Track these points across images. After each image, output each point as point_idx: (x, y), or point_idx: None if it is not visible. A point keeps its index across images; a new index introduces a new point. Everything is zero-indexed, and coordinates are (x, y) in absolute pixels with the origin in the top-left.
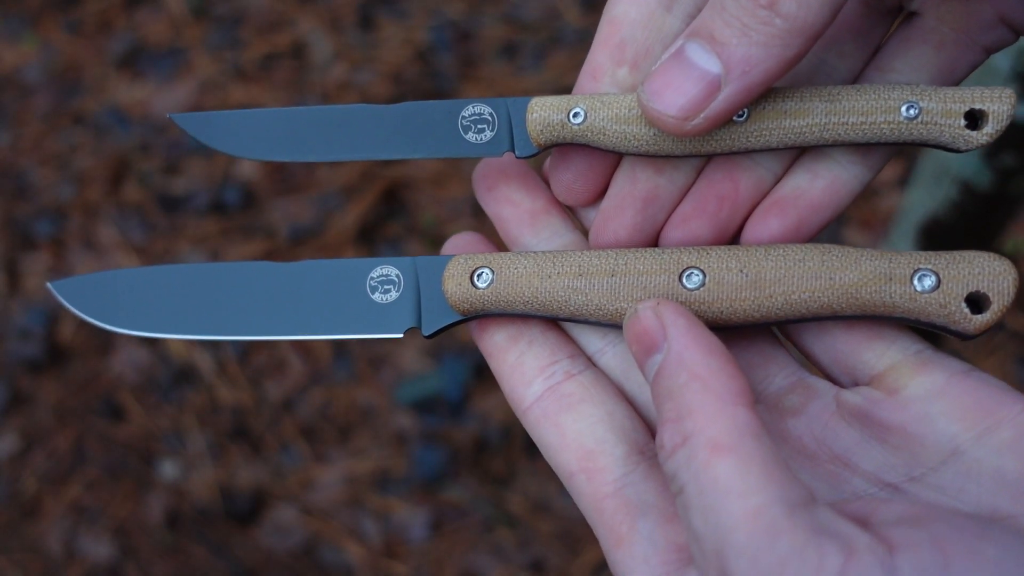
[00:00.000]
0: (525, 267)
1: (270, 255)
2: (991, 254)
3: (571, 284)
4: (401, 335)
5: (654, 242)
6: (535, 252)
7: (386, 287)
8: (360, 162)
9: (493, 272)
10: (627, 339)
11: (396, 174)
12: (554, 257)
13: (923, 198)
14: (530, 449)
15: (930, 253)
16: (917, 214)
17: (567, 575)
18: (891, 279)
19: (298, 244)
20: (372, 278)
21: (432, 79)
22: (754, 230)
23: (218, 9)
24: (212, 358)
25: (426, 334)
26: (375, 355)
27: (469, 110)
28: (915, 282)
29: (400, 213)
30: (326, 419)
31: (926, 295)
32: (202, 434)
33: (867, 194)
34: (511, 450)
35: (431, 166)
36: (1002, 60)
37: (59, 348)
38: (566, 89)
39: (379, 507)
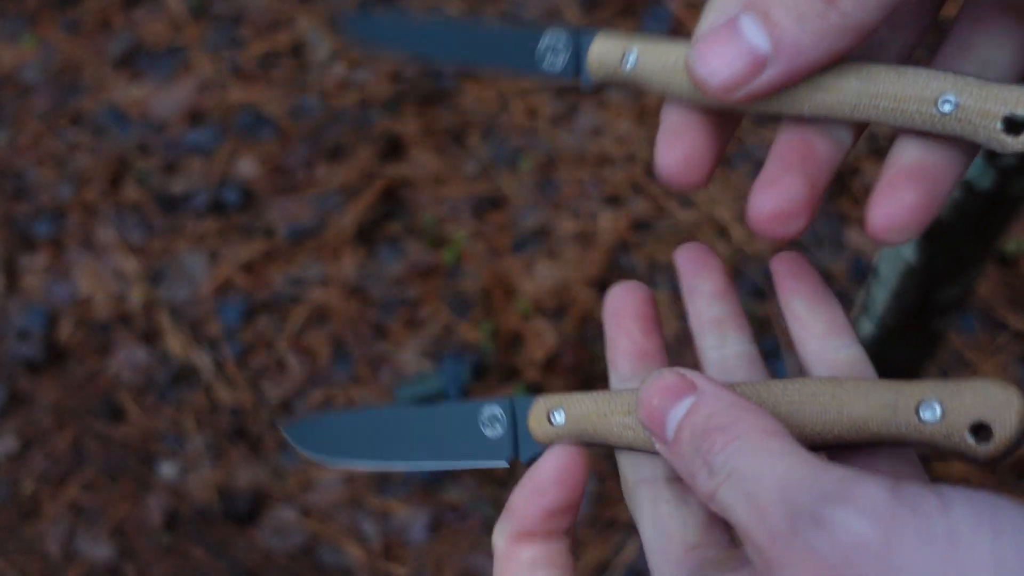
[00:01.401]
0: (587, 406)
1: (269, 255)
2: (998, 383)
3: (622, 421)
4: (506, 463)
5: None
6: (600, 392)
7: (494, 424)
8: (358, 161)
9: (564, 411)
10: (646, 397)
11: (396, 174)
12: (611, 397)
13: None
14: None
15: (937, 382)
16: None
17: None
18: (897, 410)
19: (297, 244)
20: (482, 416)
21: (432, 78)
22: (885, 203)
23: (217, 8)
24: (211, 359)
25: (523, 462)
26: (374, 355)
27: (545, 41)
28: (920, 413)
29: (400, 213)
30: None
31: (931, 426)
32: (201, 435)
33: (867, 193)
34: None
35: (431, 166)
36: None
37: (57, 348)
38: (567, 88)
39: (378, 508)
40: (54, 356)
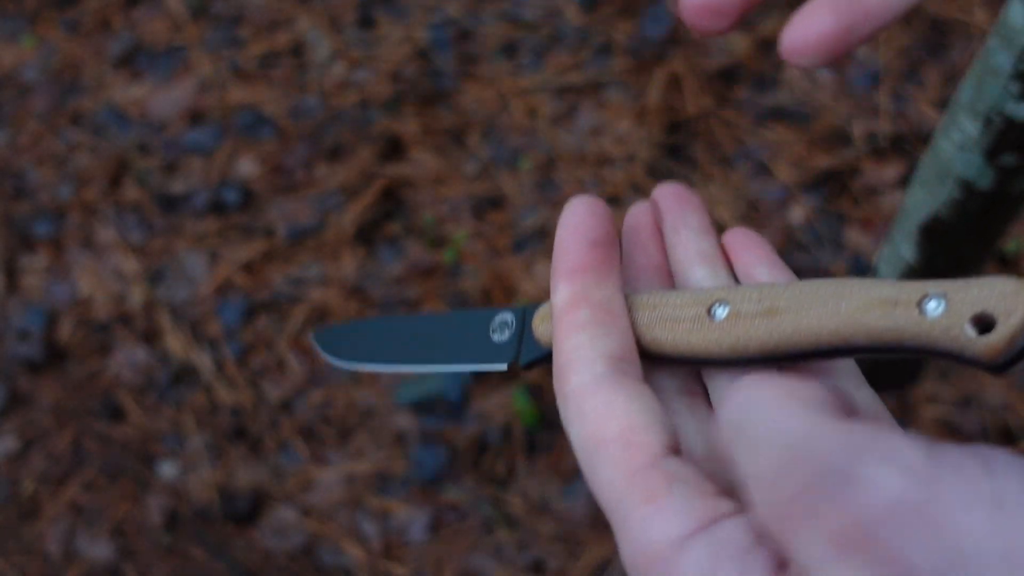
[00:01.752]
0: None
1: (268, 255)
2: (1007, 278)
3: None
4: (505, 366)
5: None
6: None
7: (503, 330)
8: (359, 161)
9: None
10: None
11: (395, 174)
12: None
13: (924, 197)
14: (530, 449)
15: (945, 281)
16: (918, 214)
17: None
18: (897, 304)
19: (297, 244)
20: (494, 322)
21: (432, 78)
22: (801, 25)
23: (217, 8)
24: (211, 359)
25: (521, 364)
26: None
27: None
28: (922, 306)
29: (400, 213)
30: (325, 420)
31: (932, 320)
32: (201, 435)
33: (867, 193)
34: (511, 450)
35: (431, 165)
36: (1003, 58)
37: (57, 348)
38: (567, 88)
39: (378, 508)
40: (54, 356)
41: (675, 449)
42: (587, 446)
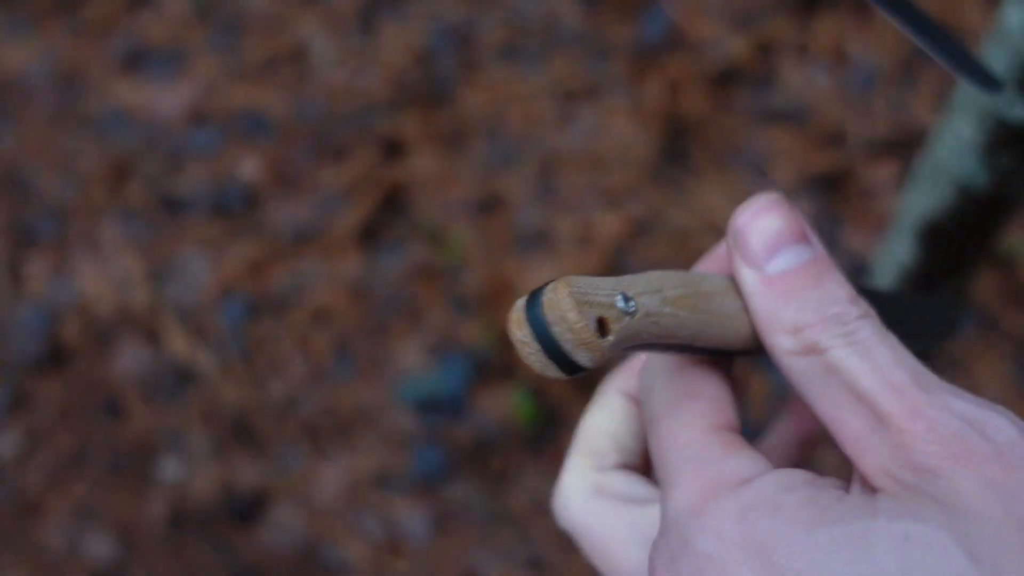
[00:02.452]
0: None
1: (271, 255)
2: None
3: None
4: None
5: None
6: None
7: None
8: (360, 163)
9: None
10: (769, 215)
11: (397, 175)
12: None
13: (920, 199)
14: (530, 448)
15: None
16: (914, 215)
17: (567, 575)
18: None
19: (299, 244)
20: None
21: (432, 81)
22: None
23: (220, 11)
24: (214, 358)
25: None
26: (376, 355)
27: None
28: None
29: (401, 214)
30: (328, 418)
31: None
32: (204, 433)
33: (863, 195)
34: (511, 449)
35: (432, 167)
36: (999, 61)
37: (62, 348)
38: (567, 91)
39: (380, 506)
40: (58, 356)
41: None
42: (676, 391)
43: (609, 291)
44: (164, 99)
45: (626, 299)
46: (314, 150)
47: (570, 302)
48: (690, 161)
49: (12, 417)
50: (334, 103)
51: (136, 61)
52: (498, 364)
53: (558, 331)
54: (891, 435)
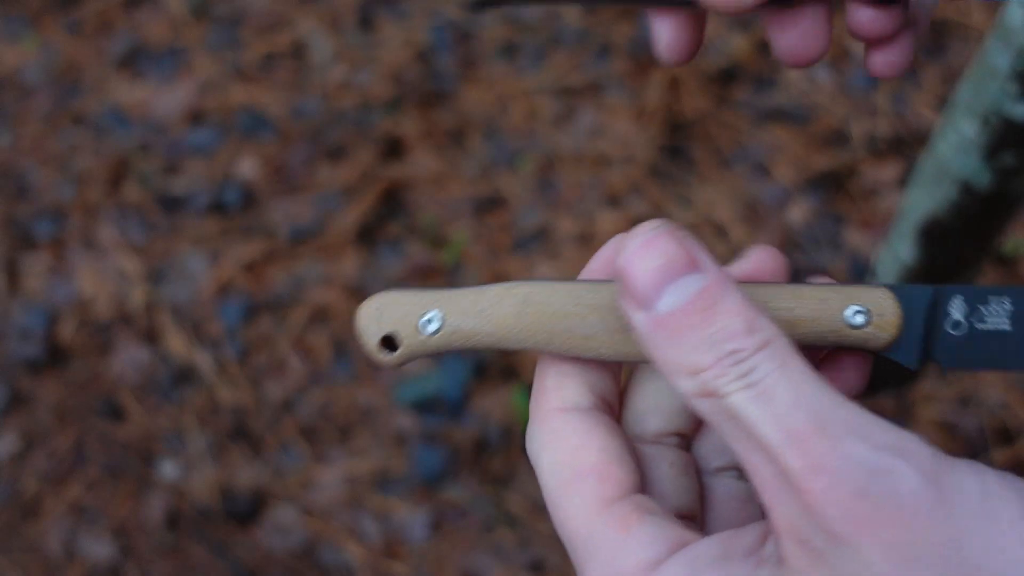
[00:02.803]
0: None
1: (270, 255)
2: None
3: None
4: None
5: None
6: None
7: None
8: (359, 162)
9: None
10: (638, 253)
11: (396, 175)
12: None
13: (922, 198)
14: None
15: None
16: (916, 214)
17: None
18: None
19: (298, 244)
20: None
21: (432, 79)
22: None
23: (218, 9)
24: (212, 358)
25: None
26: None
27: None
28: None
29: (400, 213)
30: (326, 419)
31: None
32: (202, 434)
33: (866, 194)
34: (511, 450)
35: (432, 166)
36: (1001, 59)
37: (59, 348)
38: (567, 89)
39: (379, 507)
40: (56, 356)
41: (641, 487)
42: (561, 473)
43: (417, 309)
44: (162, 98)
45: (432, 319)
46: (313, 149)
47: (366, 318)
48: (691, 160)
49: (9, 417)
50: (333, 102)
51: (134, 60)
52: (497, 365)
53: (360, 339)
54: (796, 492)
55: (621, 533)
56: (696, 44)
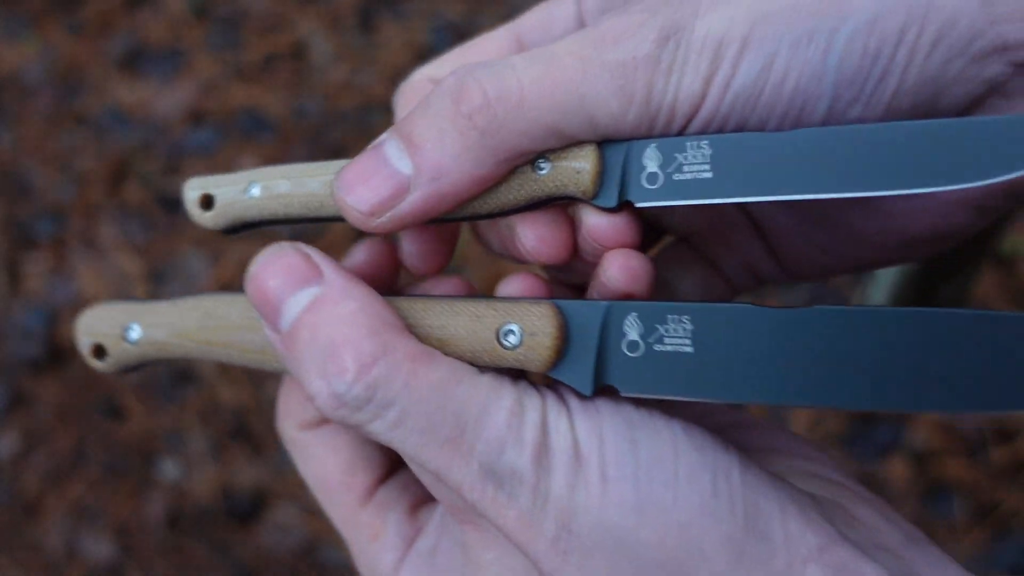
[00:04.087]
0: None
1: None
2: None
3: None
4: None
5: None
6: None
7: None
8: None
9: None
10: (259, 274)
11: None
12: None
13: None
14: None
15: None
16: None
17: None
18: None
19: None
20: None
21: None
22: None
23: (218, 10)
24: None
25: None
26: None
27: None
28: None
29: None
30: None
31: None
32: (203, 434)
33: None
34: None
35: None
36: None
37: (60, 348)
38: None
39: None
40: (56, 356)
41: (385, 476)
42: (316, 487)
43: (122, 321)
44: (162, 98)
45: (133, 330)
46: (313, 149)
47: (80, 329)
48: None
49: (10, 417)
50: (333, 102)
51: (134, 60)
52: None
53: (78, 348)
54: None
55: (373, 542)
56: (568, 247)
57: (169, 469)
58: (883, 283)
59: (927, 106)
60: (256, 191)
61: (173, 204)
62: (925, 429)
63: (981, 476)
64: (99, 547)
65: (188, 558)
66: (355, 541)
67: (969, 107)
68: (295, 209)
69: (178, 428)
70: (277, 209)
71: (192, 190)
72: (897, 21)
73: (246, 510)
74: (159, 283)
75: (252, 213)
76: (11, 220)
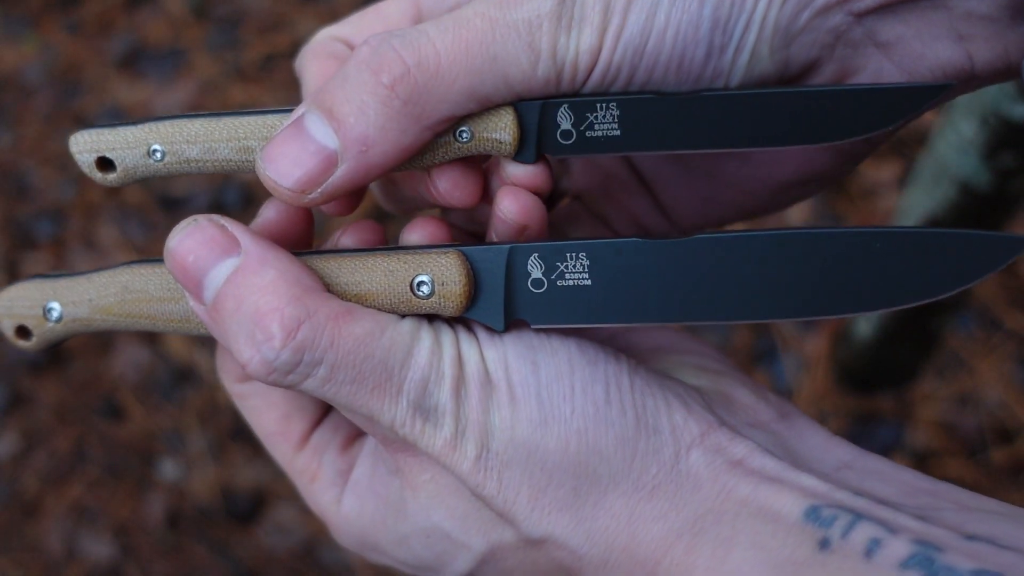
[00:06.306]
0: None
1: None
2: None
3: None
4: None
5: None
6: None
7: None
8: None
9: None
10: (177, 248)
11: None
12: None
13: (922, 198)
14: None
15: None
16: (916, 214)
17: None
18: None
19: None
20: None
21: None
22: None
23: (218, 10)
24: (212, 358)
25: None
26: None
27: None
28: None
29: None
30: None
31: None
32: (203, 434)
33: (865, 194)
34: None
35: None
36: None
37: (59, 349)
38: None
39: None
40: (56, 357)
41: (320, 419)
42: (260, 434)
43: (40, 299)
44: (162, 98)
45: (53, 308)
46: None
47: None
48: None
49: (10, 417)
50: None
51: (134, 60)
52: None
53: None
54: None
55: (312, 483)
56: (479, 192)
57: (169, 469)
58: None
59: (782, 51)
60: (160, 155)
61: (173, 204)
62: (926, 429)
63: (981, 476)
64: (99, 547)
65: (188, 558)
66: (299, 484)
67: (820, 55)
68: (208, 171)
69: (178, 428)
70: (190, 171)
71: (84, 152)
72: None
73: (246, 510)
74: None
75: (161, 175)
76: (10, 220)
